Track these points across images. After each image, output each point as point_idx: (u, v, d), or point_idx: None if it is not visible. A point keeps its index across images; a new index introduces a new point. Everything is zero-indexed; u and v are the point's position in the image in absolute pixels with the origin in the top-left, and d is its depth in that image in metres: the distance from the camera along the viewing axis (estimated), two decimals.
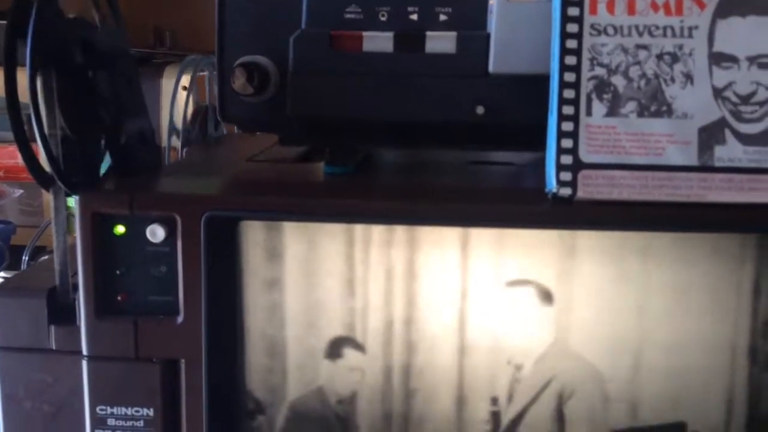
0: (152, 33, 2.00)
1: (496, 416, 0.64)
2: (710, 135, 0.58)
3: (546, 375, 0.63)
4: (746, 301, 0.61)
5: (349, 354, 0.64)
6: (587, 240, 0.61)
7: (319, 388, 0.65)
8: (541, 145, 0.61)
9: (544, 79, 0.61)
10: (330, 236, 0.62)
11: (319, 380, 0.64)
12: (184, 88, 0.92)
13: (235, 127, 1.02)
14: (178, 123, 0.91)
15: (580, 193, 0.58)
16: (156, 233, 0.60)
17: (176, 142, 0.91)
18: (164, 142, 0.90)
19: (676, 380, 0.63)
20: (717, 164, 0.58)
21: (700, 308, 0.62)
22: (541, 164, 0.61)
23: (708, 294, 0.61)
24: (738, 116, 0.58)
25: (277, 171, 0.76)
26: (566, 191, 0.58)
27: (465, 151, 0.78)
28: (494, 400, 0.64)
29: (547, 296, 0.62)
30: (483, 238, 0.62)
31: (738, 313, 0.62)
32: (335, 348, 0.64)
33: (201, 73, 0.97)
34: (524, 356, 0.63)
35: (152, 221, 0.60)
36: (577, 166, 0.58)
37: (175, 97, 0.91)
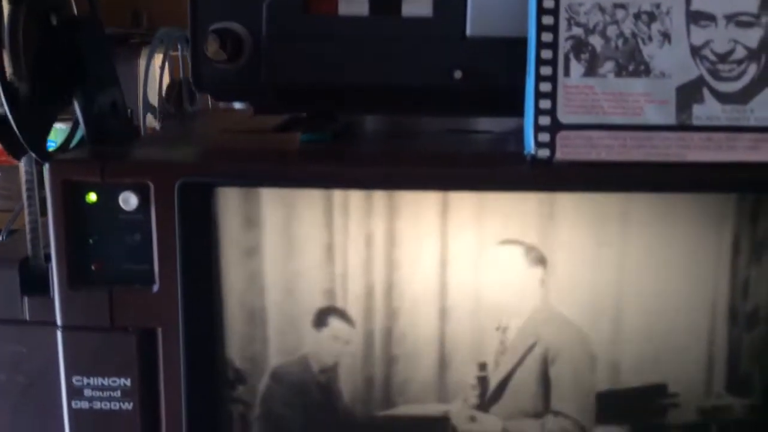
0: (129, 14, 1.97)
1: (483, 381, 0.64)
2: (688, 94, 0.58)
3: (531, 338, 0.63)
4: (726, 261, 0.61)
5: (335, 324, 0.63)
6: (567, 202, 0.61)
7: (303, 356, 0.64)
8: (519, 110, 0.61)
9: (522, 43, 0.60)
10: (308, 203, 0.61)
11: (302, 349, 0.64)
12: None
13: (210, 103, 1.01)
14: (153, 99, 0.90)
15: (559, 155, 0.58)
16: (129, 201, 0.59)
17: (153, 122, 0.90)
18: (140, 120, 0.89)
19: (656, 342, 0.63)
20: (695, 123, 0.58)
21: (680, 269, 0.62)
22: (519, 132, 0.61)
23: (688, 255, 0.61)
24: (716, 75, 0.58)
25: (252, 140, 0.74)
26: (544, 153, 0.58)
27: (443, 117, 0.77)
28: (482, 366, 0.64)
29: (533, 257, 0.61)
30: (462, 203, 0.61)
31: (718, 274, 0.62)
32: (321, 318, 0.63)
33: (175, 53, 0.96)
34: (509, 319, 0.63)
35: (125, 189, 0.59)
36: (556, 127, 0.58)
37: (148, 72, 0.90)
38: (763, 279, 0.62)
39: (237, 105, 1.02)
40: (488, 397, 0.64)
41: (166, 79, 0.95)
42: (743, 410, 0.64)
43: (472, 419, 0.64)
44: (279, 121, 0.80)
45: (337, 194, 0.60)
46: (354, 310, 0.62)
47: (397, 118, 0.78)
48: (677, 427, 0.64)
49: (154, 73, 0.91)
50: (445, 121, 0.79)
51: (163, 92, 0.94)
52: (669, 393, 0.64)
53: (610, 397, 0.64)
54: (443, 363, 0.64)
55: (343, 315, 0.63)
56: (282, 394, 0.65)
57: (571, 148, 0.57)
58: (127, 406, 0.62)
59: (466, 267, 0.62)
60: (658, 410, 0.64)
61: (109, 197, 0.59)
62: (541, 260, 0.61)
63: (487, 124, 0.78)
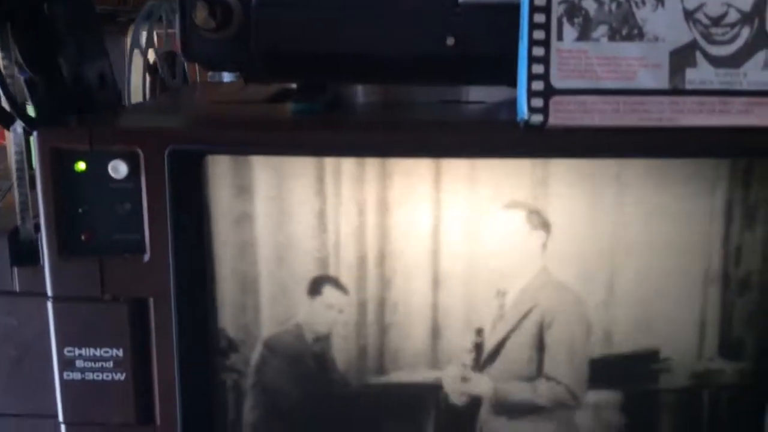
0: None
1: (479, 346, 0.64)
2: (681, 58, 0.57)
3: (529, 303, 0.63)
4: (718, 226, 0.62)
5: (329, 293, 0.63)
6: (560, 169, 0.61)
7: (297, 325, 0.64)
8: (513, 77, 0.60)
9: (515, 9, 0.60)
10: (300, 171, 0.61)
11: (295, 318, 0.64)
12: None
13: (198, 76, 1.00)
14: (139, 73, 0.89)
15: (552, 120, 0.57)
16: (118, 169, 0.58)
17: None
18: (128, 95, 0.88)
19: (649, 307, 0.63)
20: (688, 87, 0.57)
21: (673, 235, 0.62)
22: (513, 103, 0.60)
23: (681, 220, 0.61)
24: (709, 38, 0.57)
25: (243, 110, 0.74)
26: (538, 118, 0.57)
27: (436, 86, 0.77)
28: (479, 331, 0.64)
29: (532, 222, 0.61)
30: (455, 170, 0.61)
31: (711, 239, 0.62)
32: (316, 286, 0.63)
33: (159, 31, 0.95)
34: (509, 285, 0.63)
35: (114, 157, 0.58)
36: (549, 92, 0.57)
37: (135, 45, 0.89)
38: (755, 244, 0.62)
39: (226, 77, 1.01)
40: (482, 361, 0.64)
41: (153, 54, 0.94)
42: (735, 374, 0.64)
43: (464, 381, 0.64)
44: (270, 93, 0.80)
45: (329, 162, 0.60)
46: (347, 278, 0.62)
47: (390, 89, 0.77)
48: (669, 391, 0.64)
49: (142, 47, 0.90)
50: (437, 91, 0.78)
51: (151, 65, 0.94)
52: (661, 358, 0.64)
53: (602, 363, 0.64)
54: (436, 330, 0.64)
55: (336, 283, 0.62)
56: (275, 363, 0.65)
57: (564, 113, 0.57)
58: (120, 376, 0.62)
59: (460, 234, 0.62)
60: (650, 375, 0.64)
61: (98, 165, 0.58)
62: (538, 225, 0.61)
63: (479, 94, 0.77)
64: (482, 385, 0.64)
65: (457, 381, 0.65)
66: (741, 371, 0.64)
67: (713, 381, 0.64)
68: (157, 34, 0.93)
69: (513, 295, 0.63)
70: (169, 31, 0.93)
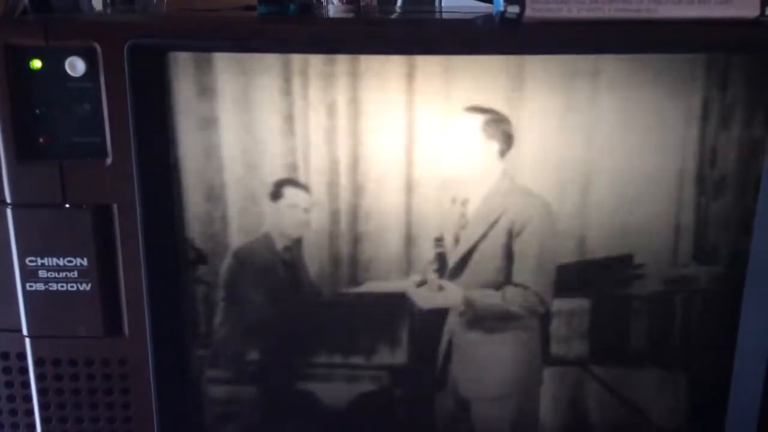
0: None
1: (442, 256, 0.63)
2: None
3: (496, 211, 0.62)
4: (694, 127, 0.60)
5: (292, 194, 0.61)
6: (535, 67, 0.59)
7: (265, 234, 0.62)
8: None
9: None
10: (266, 70, 0.58)
11: (263, 227, 0.62)
12: None
13: None
14: None
15: (529, 11, 0.55)
16: (75, 66, 0.55)
17: None
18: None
19: (623, 212, 0.62)
20: None
21: (648, 136, 0.60)
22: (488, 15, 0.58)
23: (656, 121, 0.60)
24: None
25: (209, 15, 0.71)
26: (514, 9, 0.55)
27: None
28: (439, 240, 0.63)
29: (500, 127, 0.60)
30: (429, 68, 0.59)
31: (686, 141, 0.61)
32: (277, 189, 0.61)
33: None
34: (472, 192, 0.62)
35: (70, 53, 0.55)
36: None
37: None
38: (731, 145, 0.61)
39: None
40: (449, 270, 0.63)
41: None
42: (708, 280, 0.64)
43: (437, 289, 0.63)
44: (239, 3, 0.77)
45: (297, 60, 0.58)
46: (315, 182, 0.61)
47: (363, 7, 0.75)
48: (641, 298, 0.64)
49: None
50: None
51: None
52: (635, 264, 0.63)
53: (572, 269, 0.63)
54: (408, 239, 0.63)
55: (296, 183, 0.61)
56: (245, 273, 0.63)
57: (541, 4, 0.55)
58: (85, 287, 0.60)
59: (433, 137, 0.60)
60: (622, 281, 0.64)
61: (54, 63, 0.56)
62: (507, 130, 0.60)
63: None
64: (450, 294, 0.63)
65: (428, 292, 0.64)
66: (715, 276, 0.64)
67: (687, 286, 0.64)
68: None
69: (475, 204, 0.62)
70: None
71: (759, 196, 0.61)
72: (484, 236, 0.62)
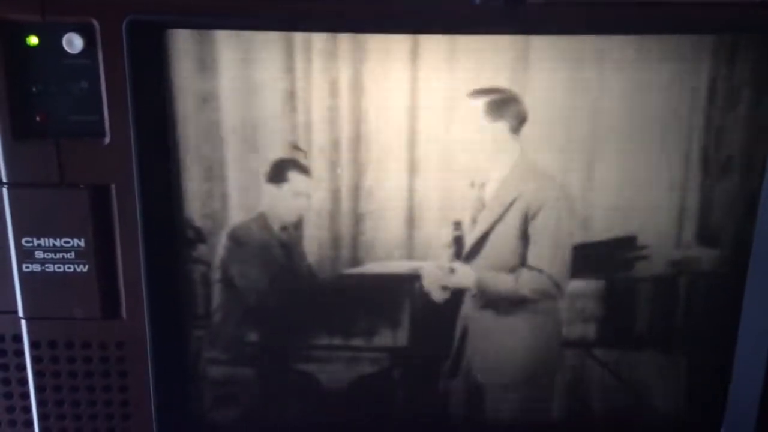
0: None
1: (459, 239, 0.62)
2: None
3: (511, 194, 0.61)
4: (700, 108, 0.60)
5: (294, 178, 0.60)
6: (540, 46, 0.58)
7: (261, 214, 0.61)
8: None
9: None
10: (267, 47, 0.57)
11: (260, 206, 0.61)
12: None
13: None
14: None
15: None
16: (73, 43, 0.54)
17: None
18: None
19: (628, 193, 0.62)
20: None
21: (654, 118, 0.60)
22: None
23: (662, 101, 0.59)
24: None
25: None
26: None
27: None
28: (457, 224, 0.62)
29: (509, 107, 0.59)
30: (433, 47, 0.58)
31: (692, 121, 0.60)
32: (278, 172, 0.60)
33: None
34: (486, 175, 0.61)
35: (68, 29, 0.54)
36: None
37: None
38: (737, 126, 0.60)
39: None
40: (465, 254, 0.62)
41: None
42: (712, 261, 0.64)
43: (447, 273, 0.63)
44: None
45: (299, 36, 0.57)
46: (316, 161, 0.60)
47: None
48: (646, 279, 0.64)
49: None
50: None
51: None
52: (638, 245, 0.63)
53: (583, 250, 0.63)
54: (414, 220, 0.62)
55: (301, 168, 0.60)
56: (243, 253, 0.62)
57: None
58: (82, 268, 0.60)
59: (439, 118, 0.59)
60: (627, 263, 0.63)
61: (51, 39, 0.55)
62: (517, 110, 0.59)
63: None
64: (464, 277, 0.63)
65: (439, 273, 0.63)
66: (718, 258, 0.63)
67: (690, 268, 0.64)
68: None
69: (492, 186, 0.61)
70: None
71: (764, 178, 0.60)
72: (499, 219, 0.62)
